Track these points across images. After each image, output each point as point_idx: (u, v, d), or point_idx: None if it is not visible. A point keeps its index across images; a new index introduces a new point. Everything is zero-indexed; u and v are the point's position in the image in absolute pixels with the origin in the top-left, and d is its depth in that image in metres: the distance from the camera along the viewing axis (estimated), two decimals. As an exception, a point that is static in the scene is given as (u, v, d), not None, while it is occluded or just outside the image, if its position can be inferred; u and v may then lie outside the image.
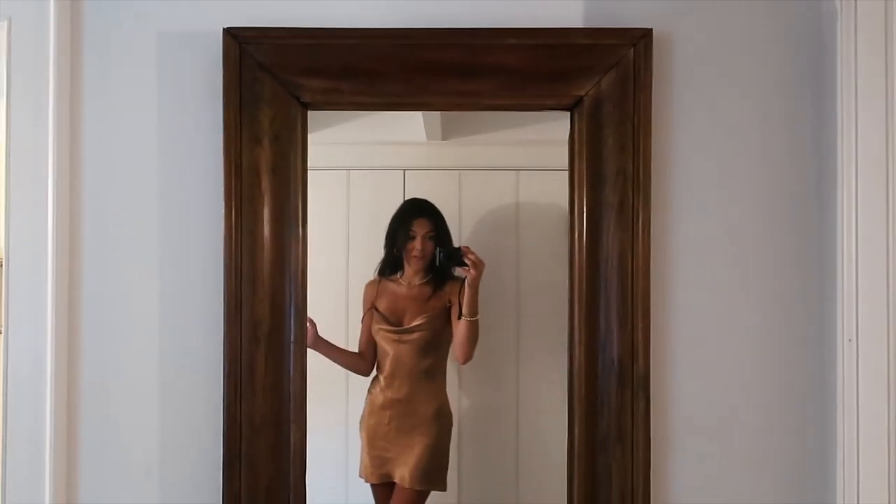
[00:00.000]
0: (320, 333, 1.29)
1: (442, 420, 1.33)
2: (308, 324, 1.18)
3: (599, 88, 1.13)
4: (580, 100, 1.14)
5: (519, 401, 1.34)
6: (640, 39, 1.12)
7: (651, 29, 1.13)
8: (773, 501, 1.19)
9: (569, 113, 1.15)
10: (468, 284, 1.29)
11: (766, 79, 1.18)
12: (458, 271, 1.31)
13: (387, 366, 1.34)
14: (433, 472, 1.33)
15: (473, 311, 1.30)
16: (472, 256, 1.29)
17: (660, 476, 1.17)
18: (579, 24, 1.17)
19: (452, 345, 1.33)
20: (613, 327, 1.13)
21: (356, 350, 1.35)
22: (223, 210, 1.12)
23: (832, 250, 1.11)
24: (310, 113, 1.15)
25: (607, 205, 1.13)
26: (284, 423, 1.13)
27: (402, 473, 1.32)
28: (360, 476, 1.35)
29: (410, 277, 1.35)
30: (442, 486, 1.32)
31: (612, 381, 1.13)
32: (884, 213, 1.04)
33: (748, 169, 1.18)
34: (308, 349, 1.17)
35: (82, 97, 1.19)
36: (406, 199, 1.34)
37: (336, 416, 1.35)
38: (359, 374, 1.35)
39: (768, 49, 1.18)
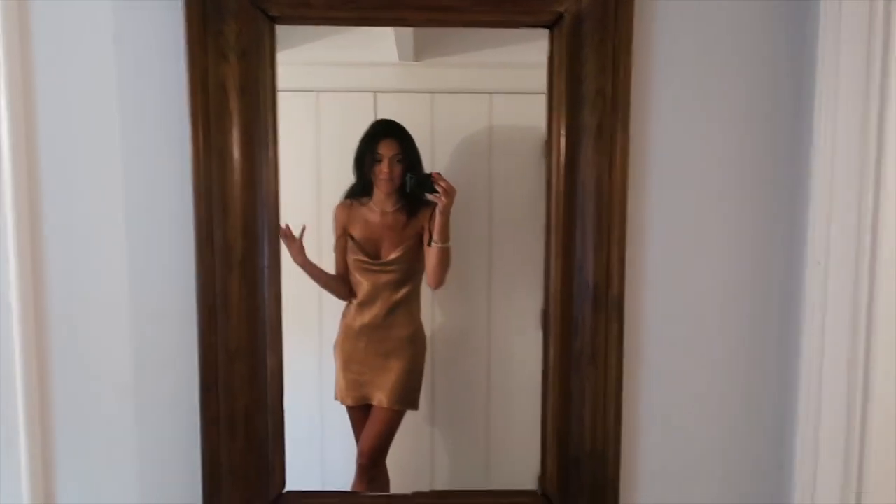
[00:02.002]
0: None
1: (417, 344, 1.35)
2: (297, 241, 1.17)
3: (580, 5, 1.09)
4: (560, 17, 1.10)
5: (491, 324, 1.36)
6: (624, -47, 1.08)
7: (635, -58, 1.09)
8: (742, 416, 1.23)
9: (548, 31, 1.12)
10: (439, 212, 1.28)
11: (749, 2, 1.15)
12: (429, 198, 1.29)
13: (362, 293, 1.33)
14: (409, 394, 1.35)
15: (445, 238, 1.29)
16: (443, 183, 1.26)
17: (631, 395, 1.20)
18: (560, -64, 1.12)
19: (425, 270, 1.32)
20: (589, 251, 1.13)
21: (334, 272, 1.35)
22: (189, 131, 1.08)
23: (806, 174, 1.12)
24: (278, 30, 1.10)
25: (585, 127, 1.11)
26: (261, 348, 1.13)
27: (380, 396, 1.34)
28: (336, 399, 1.36)
29: (383, 203, 1.33)
30: (415, 406, 1.35)
31: (587, 304, 1.14)
32: (859, 136, 1.04)
33: (729, 93, 1.17)
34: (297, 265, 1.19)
35: (30, 14, 1.11)
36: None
37: (310, 340, 1.35)
38: (339, 297, 1.34)
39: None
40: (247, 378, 1.13)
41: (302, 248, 1.28)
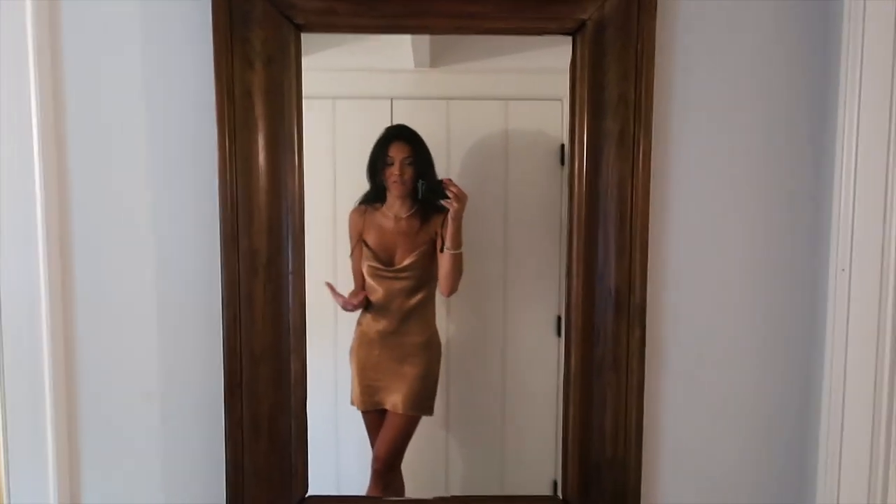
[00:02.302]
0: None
1: (432, 350, 1.34)
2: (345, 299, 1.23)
3: (603, 12, 1.10)
4: (583, 24, 1.11)
5: (506, 330, 1.35)
6: (646, -39, 1.09)
7: (657, -50, 1.09)
8: (765, 422, 1.23)
9: (569, 40, 1.12)
10: (451, 217, 1.27)
11: (772, 7, 1.16)
12: (441, 203, 1.28)
13: (377, 299, 1.33)
14: (424, 400, 1.35)
15: (457, 244, 1.29)
16: (454, 189, 1.26)
17: (653, 402, 1.20)
18: (583, -56, 1.13)
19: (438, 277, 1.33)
20: (611, 257, 1.14)
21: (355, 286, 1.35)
22: (216, 137, 1.09)
23: (829, 180, 1.12)
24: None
25: (608, 133, 1.12)
26: (284, 352, 1.14)
27: (395, 401, 1.34)
28: (352, 404, 1.36)
29: (397, 209, 1.33)
30: (430, 412, 1.35)
31: (609, 310, 1.15)
32: (884, 145, 1.04)
33: (751, 99, 1.17)
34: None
35: (62, 20, 1.13)
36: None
37: (325, 344, 1.35)
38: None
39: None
40: (271, 381, 1.14)
41: (350, 301, 1.31)
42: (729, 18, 1.16)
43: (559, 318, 1.24)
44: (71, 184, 1.15)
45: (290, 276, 1.12)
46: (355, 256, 1.33)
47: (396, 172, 1.30)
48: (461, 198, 1.26)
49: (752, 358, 1.22)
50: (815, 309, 1.18)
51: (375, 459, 1.34)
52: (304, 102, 1.15)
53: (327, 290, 1.31)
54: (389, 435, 1.35)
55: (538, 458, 1.27)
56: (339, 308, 1.34)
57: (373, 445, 1.35)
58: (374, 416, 1.36)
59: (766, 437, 1.24)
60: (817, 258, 1.18)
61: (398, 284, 1.33)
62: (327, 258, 1.32)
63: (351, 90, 1.31)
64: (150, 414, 1.20)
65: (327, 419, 1.36)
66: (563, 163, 1.24)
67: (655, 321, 1.19)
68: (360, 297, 1.32)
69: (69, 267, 1.16)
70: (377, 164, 1.31)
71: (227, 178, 1.09)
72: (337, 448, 1.37)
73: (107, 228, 1.17)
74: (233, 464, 1.14)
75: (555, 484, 1.28)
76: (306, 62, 1.14)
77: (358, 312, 1.34)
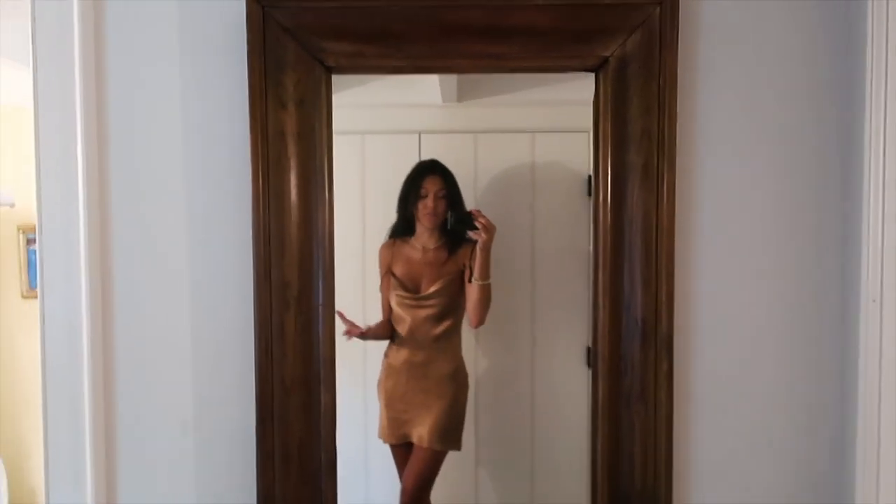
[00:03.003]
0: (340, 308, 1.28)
1: (458, 381, 1.35)
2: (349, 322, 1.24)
3: (625, 49, 1.12)
4: (605, 60, 1.13)
5: (534, 362, 1.35)
6: (666, -1, 1.11)
7: (677, -12, 1.11)
8: (795, 454, 1.21)
9: (592, 74, 1.14)
10: (479, 248, 1.29)
11: (793, 39, 1.17)
12: (469, 235, 1.30)
13: (404, 330, 1.35)
14: (450, 433, 1.35)
15: (485, 275, 1.30)
16: (482, 220, 1.28)
17: (682, 433, 1.19)
18: (604, -16, 1.15)
19: (466, 308, 1.34)
20: (637, 288, 1.14)
21: (381, 318, 1.36)
22: (250, 175, 1.12)
23: (857, 210, 1.12)
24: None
25: (632, 166, 1.13)
26: (314, 383, 1.15)
27: (420, 434, 1.35)
28: (379, 437, 1.37)
29: (425, 240, 1.35)
30: (457, 447, 1.34)
31: (636, 341, 1.15)
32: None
33: (774, 130, 1.18)
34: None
35: (106, 65, 1.18)
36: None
37: (354, 377, 1.36)
38: (385, 339, 1.36)
39: (796, 8, 1.17)
40: (301, 412, 1.16)
41: (357, 327, 1.32)
42: (750, 51, 1.17)
43: (588, 349, 1.24)
44: (112, 220, 1.20)
45: (321, 309, 1.15)
46: (384, 287, 1.35)
47: (430, 204, 1.33)
48: (490, 229, 1.28)
49: (781, 388, 1.21)
50: (846, 339, 1.17)
51: (403, 493, 1.34)
52: (335, 138, 1.17)
53: (366, 312, 1.34)
54: (416, 468, 1.35)
55: (569, 491, 1.26)
56: (369, 341, 1.36)
57: (401, 479, 1.35)
58: (401, 450, 1.37)
59: (798, 468, 1.22)
60: (846, 288, 1.16)
61: (424, 312, 1.34)
62: (356, 290, 1.34)
63: (380, 125, 1.35)
64: (184, 443, 1.22)
65: (357, 453, 1.37)
66: (590, 194, 1.25)
67: (683, 351, 1.18)
68: (371, 326, 1.34)
69: (109, 300, 1.20)
70: (409, 196, 1.34)
71: (260, 214, 1.13)
72: (367, 482, 1.37)
73: (145, 263, 1.21)
74: (264, 494, 1.15)
75: (586, 517, 1.27)
76: (337, 99, 1.17)
77: (385, 346, 1.35)
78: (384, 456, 1.37)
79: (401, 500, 1.34)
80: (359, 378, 1.37)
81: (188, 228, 1.20)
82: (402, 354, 1.35)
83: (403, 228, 1.35)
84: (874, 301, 1.05)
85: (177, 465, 1.22)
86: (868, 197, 1.08)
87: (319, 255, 1.15)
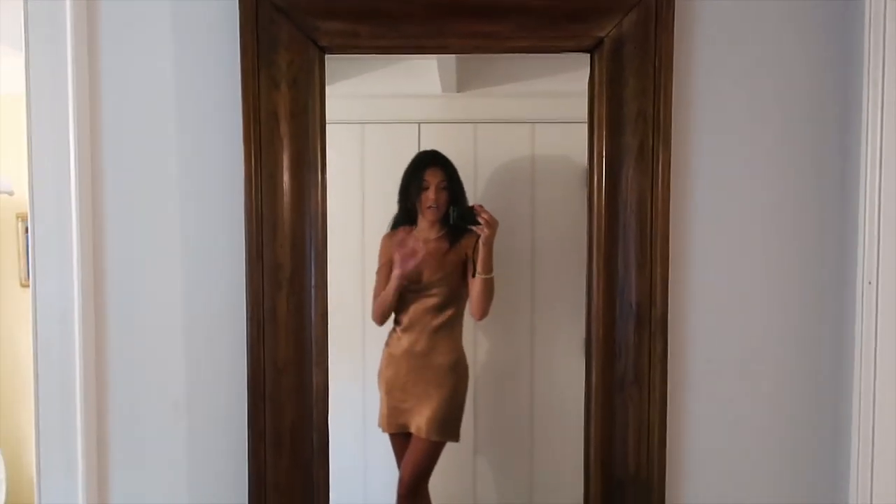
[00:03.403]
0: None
1: (458, 372, 1.35)
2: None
3: (620, 29, 1.11)
4: (601, 41, 1.12)
5: (534, 355, 1.35)
6: (663, -22, 1.10)
7: (673, -32, 1.11)
8: (790, 440, 1.20)
9: (588, 56, 1.14)
10: (482, 243, 1.29)
11: (790, 19, 1.16)
12: (472, 229, 1.30)
13: (404, 319, 1.35)
14: (449, 424, 1.34)
15: (488, 269, 1.30)
16: (485, 215, 1.28)
17: (676, 416, 1.19)
18: (600, -37, 1.15)
19: (468, 301, 1.33)
20: (632, 271, 1.13)
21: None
22: (242, 155, 1.13)
23: (854, 192, 1.11)
24: (326, 63, 1.14)
25: (627, 149, 1.12)
26: (307, 364, 1.15)
27: (419, 424, 1.34)
28: (378, 426, 1.36)
29: (426, 231, 1.35)
30: (455, 438, 1.34)
31: (630, 325, 1.14)
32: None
33: (770, 111, 1.17)
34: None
35: (98, 46, 1.19)
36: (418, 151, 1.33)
37: (354, 367, 1.36)
38: (376, 319, 1.35)
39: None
40: (293, 393, 1.15)
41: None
42: (747, 31, 1.17)
43: (588, 337, 1.23)
44: (104, 200, 1.20)
45: (313, 290, 1.14)
46: (381, 275, 1.35)
47: (432, 196, 1.33)
48: (492, 224, 1.28)
49: (776, 371, 1.20)
50: (842, 322, 1.16)
51: (400, 483, 1.34)
52: (334, 127, 1.17)
53: (365, 302, 1.34)
54: (413, 458, 1.35)
55: (568, 481, 1.25)
56: (368, 329, 1.35)
57: (399, 468, 1.35)
58: (400, 439, 1.36)
59: (792, 452, 1.21)
60: (843, 270, 1.15)
61: (425, 302, 1.34)
62: (356, 281, 1.34)
63: (379, 115, 1.35)
64: (177, 423, 1.22)
65: (356, 442, 1.37)
66: (590, 183, 1.24)
67: (677, 335, 1.18)
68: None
69: (101, 280, 1.20)
70: (410, 187, 1.33)
71: (253, 195, 1.12)
72: (365, 472, 1.37)
73: (137, 243, 1.21)
74: (255, 475, 1.15)
75: (584, 506, 1.25)
76: (337, 89, 1.18)
77: (386, 335, 1.35)
78: (383, 446, 1.36)
79: (398, 490, 1.34)
80: (358, 366, 1.37)
81: (181, 210, 1.20)
82: (402, 344, 1.35)
83: (404, 218, 1.35)
84: (870, 283, 1.05)
85: (169, 446, 1.22)
86: (865, 174, 1.07)
87: (312, 236, 1.14)
